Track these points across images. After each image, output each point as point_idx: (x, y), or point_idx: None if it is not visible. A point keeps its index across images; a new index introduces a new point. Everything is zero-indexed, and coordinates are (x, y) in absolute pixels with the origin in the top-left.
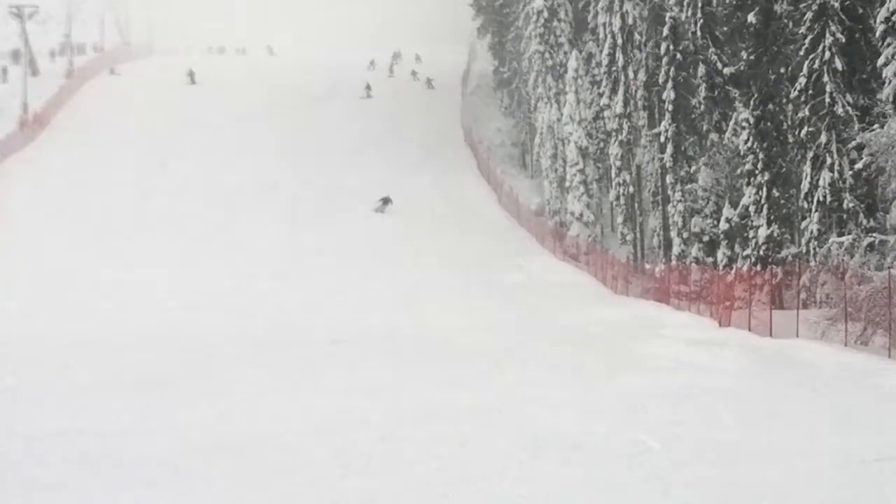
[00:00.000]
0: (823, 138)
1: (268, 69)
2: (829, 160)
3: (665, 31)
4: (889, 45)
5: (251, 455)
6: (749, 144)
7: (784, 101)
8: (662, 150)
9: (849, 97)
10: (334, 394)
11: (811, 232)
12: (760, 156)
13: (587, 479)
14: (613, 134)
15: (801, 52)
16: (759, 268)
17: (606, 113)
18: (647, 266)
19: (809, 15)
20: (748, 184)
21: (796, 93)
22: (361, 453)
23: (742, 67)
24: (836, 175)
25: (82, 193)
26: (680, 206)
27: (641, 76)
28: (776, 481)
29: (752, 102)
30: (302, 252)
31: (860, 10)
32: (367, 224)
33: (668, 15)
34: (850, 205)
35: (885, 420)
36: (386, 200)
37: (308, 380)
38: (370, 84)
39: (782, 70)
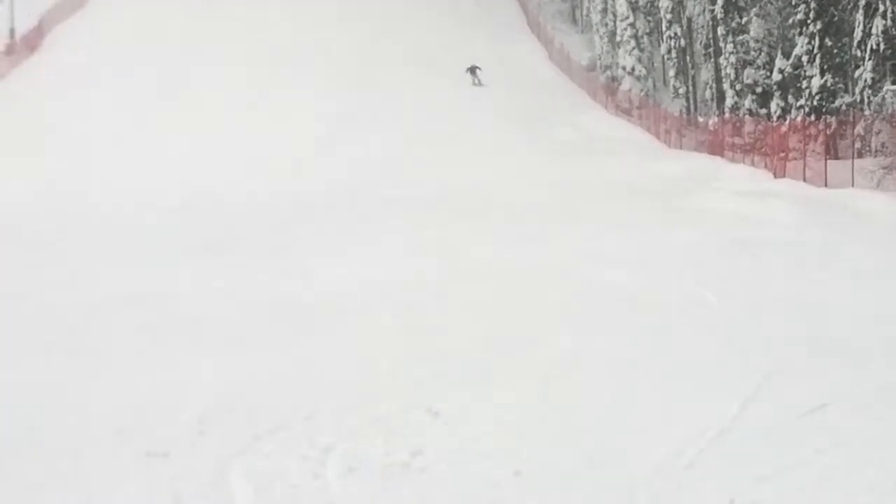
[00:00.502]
0: None
1: None
2: (881, 7)
3: None
4: None
5: (307, 317)
6: None
7: None
8: (713, 1)
9: None
10: (390, 255)
11: (865, 80)
12: (812, 4)
13: (644, 332)
14: None
15: None
16: (813, 118)
17: None
18: (701, 119)
19: None
20: (800, 33)
21: None
22: (420, 313)
23: None
24: (890, 22)
25: (128, 58)
26: (732, 58)
27: None
28: (837, 332)
29: None
30: (351, 115)
31: None
32: (418, 85)
33: None
34: None
35: None
36: (474, 70)
37: (364, 242)
38: None
39: None
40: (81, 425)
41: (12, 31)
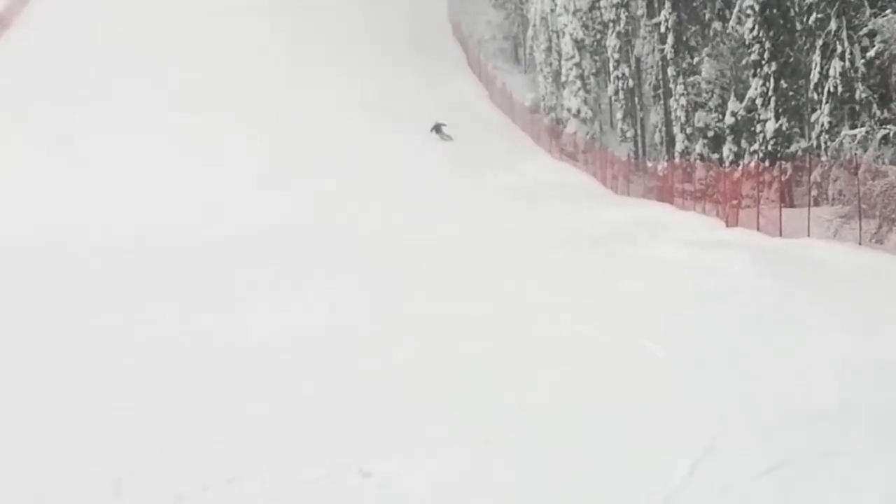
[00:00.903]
0: (833, 25)
1: None
2: (839, 48)
3: None
4: None
5: (235, 371)
6: (755, 33)
7: None
8: (663, 40)
9: None
10: (324, 302)
11: (822, 125)
12: (767, 45)
13: (589, 388)
14: (610, 25)
15: None
16: (767, 164)
17: (603, 2)
18: (649, 164)
19: None
20: (754, 75)
21: None
22: (354, 368)
23: None
24: (848, 64)
25: (52, 97)
26: (682, 101)
27: None
28: (792, 387)
29: None
30: (287, 158)
31: None
32: (354, 128)
33: None
34: (863, 95)
35: None
36: (439, 128)
37: (294, 289)
38: None
39: None
40: None
41: None
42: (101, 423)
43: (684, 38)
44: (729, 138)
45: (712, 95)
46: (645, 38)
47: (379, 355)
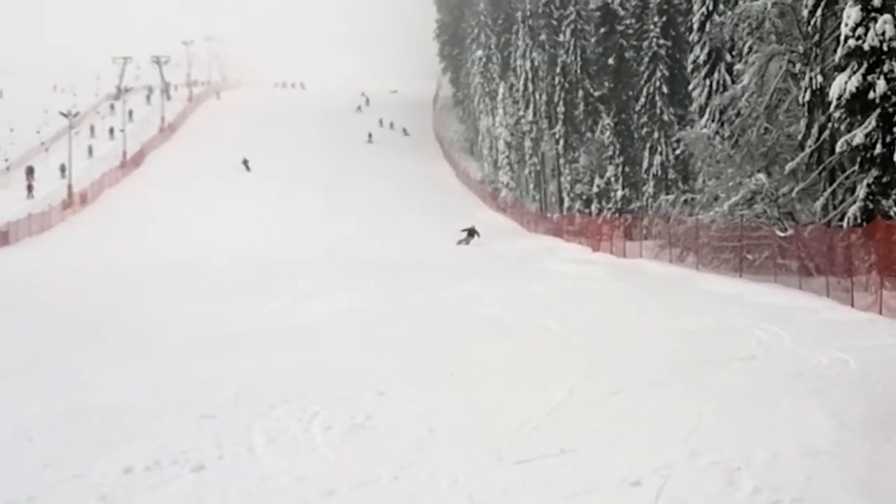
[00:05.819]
0: (656, 135)
1: (314, 96)
2: (659, 149)
3: (558, 69)
4: (695, 77)
5: (304, 333)
6: (610, 139)
7: (632, 112)
8: (557, 143)
9: (672, 109)
10: (353, 295)
11: (649, 193)
12: (617, 146)
13: (509, 346)
14: (527, 133)
15: (642, 82)
16: (617, 215)
17: (522, 120)
18: (549, 215)
19: (646, 59)
20: (610, 163)
21: (639, 107)
22: (372, 332)
23: (605, 91)
24: (664, 158)
25: (198, 173)
26: (568, 178)
27: (544, 97)
28: (630, 346)
29: (612, 113)
30: (333, 209)
31: (678, 56)
32: (372, 189)
33: (559, 59)
34: (673, 176)
35: (696, 308)
36: (472, 232)
37: (335, 287)
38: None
39: (630, 93)
40: (159, 398)
41: (125, 153)
42: (228, 362)
43: (570, 142)
44: (595, 200)
45: (586, 175)
46: (547, 141)
47: (387, 324)
